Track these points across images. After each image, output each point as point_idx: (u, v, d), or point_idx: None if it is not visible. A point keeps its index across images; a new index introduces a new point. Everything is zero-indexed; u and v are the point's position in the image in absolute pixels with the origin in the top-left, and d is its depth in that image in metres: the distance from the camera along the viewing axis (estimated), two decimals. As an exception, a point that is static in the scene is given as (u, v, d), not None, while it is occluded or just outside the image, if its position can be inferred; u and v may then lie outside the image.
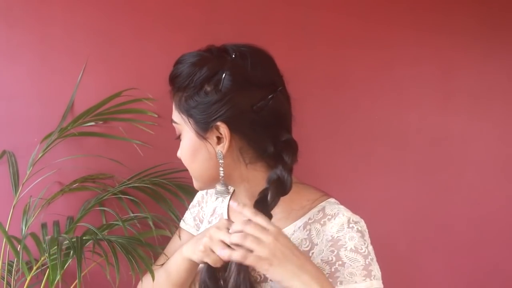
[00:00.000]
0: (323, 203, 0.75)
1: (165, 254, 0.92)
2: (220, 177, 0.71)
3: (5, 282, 1.08)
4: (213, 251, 0.66)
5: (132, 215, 1.11)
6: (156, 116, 1.25)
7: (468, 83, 1.49)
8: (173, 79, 0.73)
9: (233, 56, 0.71)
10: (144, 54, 1.27)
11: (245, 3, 1.34)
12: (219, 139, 0.70)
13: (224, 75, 0.68)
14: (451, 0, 1.47)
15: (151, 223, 1.04)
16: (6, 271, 1.09)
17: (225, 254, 0.62)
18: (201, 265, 0.75)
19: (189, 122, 0.71)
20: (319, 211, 0.73)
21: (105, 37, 1.26)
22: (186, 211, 0.98)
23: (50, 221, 1.15)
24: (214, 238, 0.66)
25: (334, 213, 0.72)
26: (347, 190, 1.42)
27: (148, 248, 0.99)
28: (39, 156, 1.15)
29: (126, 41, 1.26)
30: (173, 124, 0.75)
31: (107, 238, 0.90)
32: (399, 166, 1.45)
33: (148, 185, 1.15)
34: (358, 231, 0.71)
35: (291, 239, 0.70)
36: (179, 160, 0.78)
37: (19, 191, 1.13)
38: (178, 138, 0.76)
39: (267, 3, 1.35)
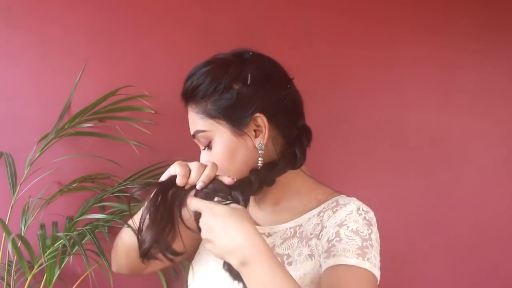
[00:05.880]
0: (337, 197, 0.79)
1: None
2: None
3: (5, 283, 1.08)
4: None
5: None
6: (153, 112, 1.24)
7: (468, 83, 1.49)
8: (193, 90, 0.75)
9: (250, 54, 0.78)
10: (144, 54, 1.27)
11: (246, 2, 1.34)
12: (256, 132, 0.75)
13: (249, 71, 0.74)
14: (451, 0, 1.47)
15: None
16: (6, 272, 1.08)
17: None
18: None
19: (225, 122, 0.74)
20: (333, 202, 0.78)
21: (105, 37, 1.25)
22: None
23: (49, 221, 1.14)
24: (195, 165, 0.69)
25: (347, 203, 0.76)
26: (346, 189, 1.40)
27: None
28: (36, 156, 1.14)
29: (126, 41, 1.26)
30: (198, 135, 0.76)
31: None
32: (399, 166, 1.45)
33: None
34: (365, 218, 0.73)
35: (307, 224, 0.77)
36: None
37: (17, 191, 1.13)
38: (207, 147, 0.77)
39: (268, 2, 1.35)
